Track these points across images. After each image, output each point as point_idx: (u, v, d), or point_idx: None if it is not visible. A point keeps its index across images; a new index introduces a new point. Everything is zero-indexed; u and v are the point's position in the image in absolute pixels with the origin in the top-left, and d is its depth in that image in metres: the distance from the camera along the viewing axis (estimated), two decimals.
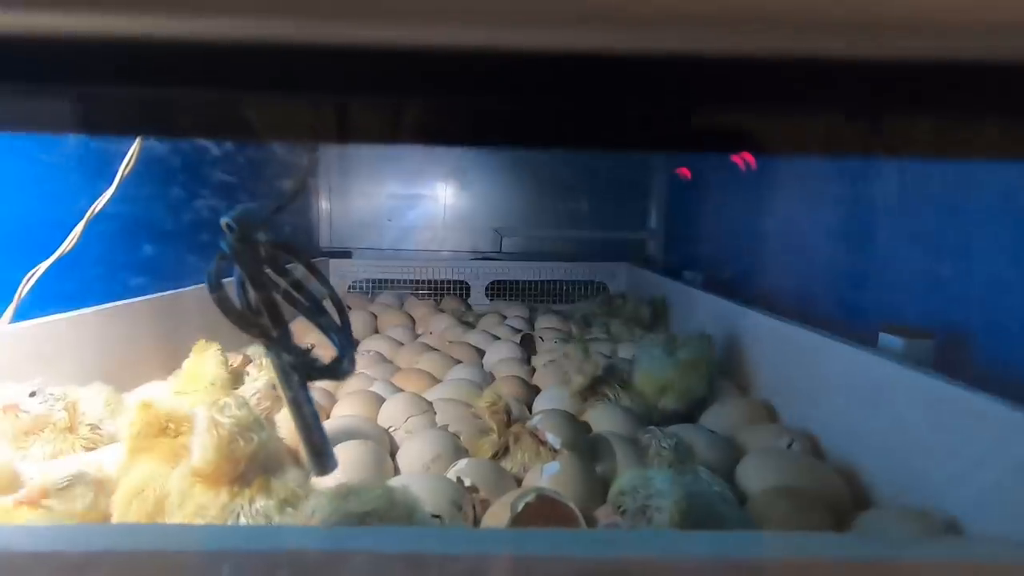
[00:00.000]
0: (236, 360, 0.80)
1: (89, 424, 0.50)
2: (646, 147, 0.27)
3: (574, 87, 0.20)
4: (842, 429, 0.55)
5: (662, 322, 1.11)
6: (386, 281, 1.51)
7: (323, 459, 0.28)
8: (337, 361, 0.29)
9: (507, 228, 1.64)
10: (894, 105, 0.19)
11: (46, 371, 0.56)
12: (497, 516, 0.43)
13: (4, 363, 0.51)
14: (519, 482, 0.50)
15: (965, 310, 0.59)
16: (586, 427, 0.60)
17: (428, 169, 1.66)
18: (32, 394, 0.46)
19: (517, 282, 1.50)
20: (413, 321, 1.21)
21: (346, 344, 0.30)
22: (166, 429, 0.43)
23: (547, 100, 0.20)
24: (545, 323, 1.15)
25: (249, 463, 0.39)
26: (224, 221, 0.25)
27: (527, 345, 0.99)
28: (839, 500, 0.47)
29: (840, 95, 0.19)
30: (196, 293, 0.84)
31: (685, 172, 1.51)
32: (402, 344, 1.00)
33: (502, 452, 0.54)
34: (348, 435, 0.56)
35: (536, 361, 0.90)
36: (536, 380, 0.80)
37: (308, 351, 0.27)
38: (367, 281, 1.51)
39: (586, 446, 0.53)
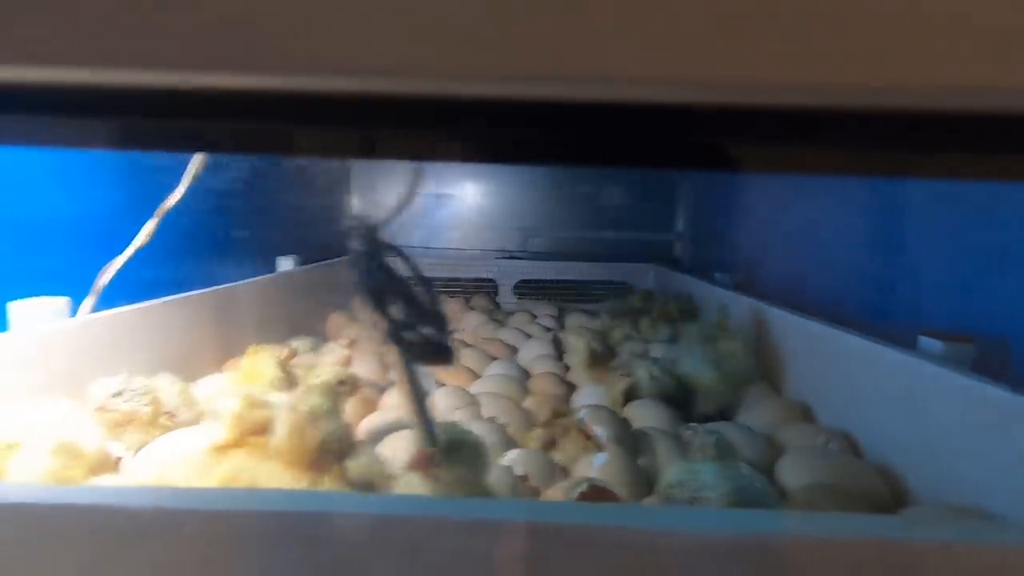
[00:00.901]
0: (282, 353, 0.84)
1: (166, 412, 0.53)
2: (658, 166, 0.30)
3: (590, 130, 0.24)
4: (880, 430, 0.56)
5: (692, 322, 1.12)
6: (413, 279, 1.54)
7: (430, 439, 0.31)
8: (445, 348, 0.32)
9: (533, 228, 1.66)
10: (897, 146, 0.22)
11: (119, 360, 0.59)
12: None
13: (86, 351, 0.55)
14: (566, 472, 0.53)
15: (1004, 316, 0.59)
16: (626, 423, 0.62)
17: (456, 168, 1.69)
18: (118, 394, 0.49)
19: (544, 281, 1.52)
20: None
21: (446, 333, 0.33)
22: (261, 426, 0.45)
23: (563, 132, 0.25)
24: (575, 321, 1.17)
25: (322, 449, 0.41)
26: (356, 222, 0.28)
27: (559, 343, 1.01)
28: (879, 497, 0.48)
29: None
30: (246, 288, 0.88)
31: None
32: None
33: (549, 444, 0.56)
34: (403, 426, 0.59)
35: (570, 359, 0.92)
36: (571, 377, 0.82)
37: (423, 337, 0.30)
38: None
39: (630, 440, 0.55)
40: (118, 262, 0.56)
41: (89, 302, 0.56)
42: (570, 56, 0.19)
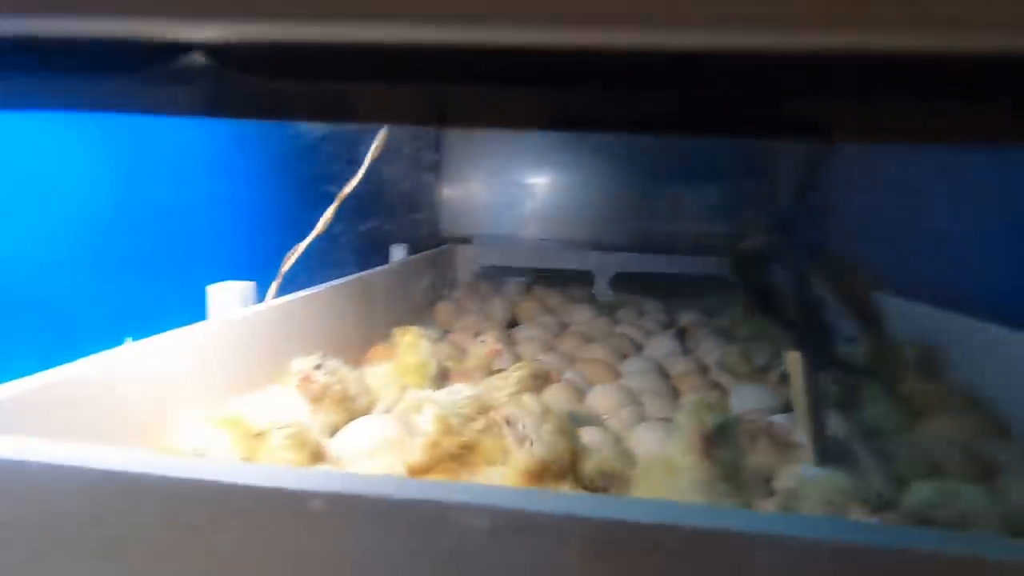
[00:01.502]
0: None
1: (349, 397, 0.54)
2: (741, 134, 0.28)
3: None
4: None
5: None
6: (508, 269, 1.53)
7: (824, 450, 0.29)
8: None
9: (632, 219, 1.62)
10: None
11: (290, 345, 0.60)
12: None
13: (265, 336, 0.56)
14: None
15: None
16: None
17: (548, 155, 1.66)
18: (318, 366, 0.50)
19: (643, 274, 1.48)
20: (549, 311, 1.22)
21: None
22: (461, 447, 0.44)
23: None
24: (689, 318, 1.13)
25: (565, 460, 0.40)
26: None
27: (683, 339, 0.98)
28: None
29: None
30: (383, 273, 0.89)
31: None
32: (556, 334, 1.01)
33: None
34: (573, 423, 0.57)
35: (705, 356, 0.88)
36: (714, 376, 0.79)
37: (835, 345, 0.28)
38: (490, 268, 1.53)
39: (832, 451, 0.51)
40: (301, 247, 0.57)
41: (275, 286, 0.57)
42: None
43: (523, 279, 1.50)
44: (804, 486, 0.46)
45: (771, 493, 0.48)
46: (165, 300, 0.54)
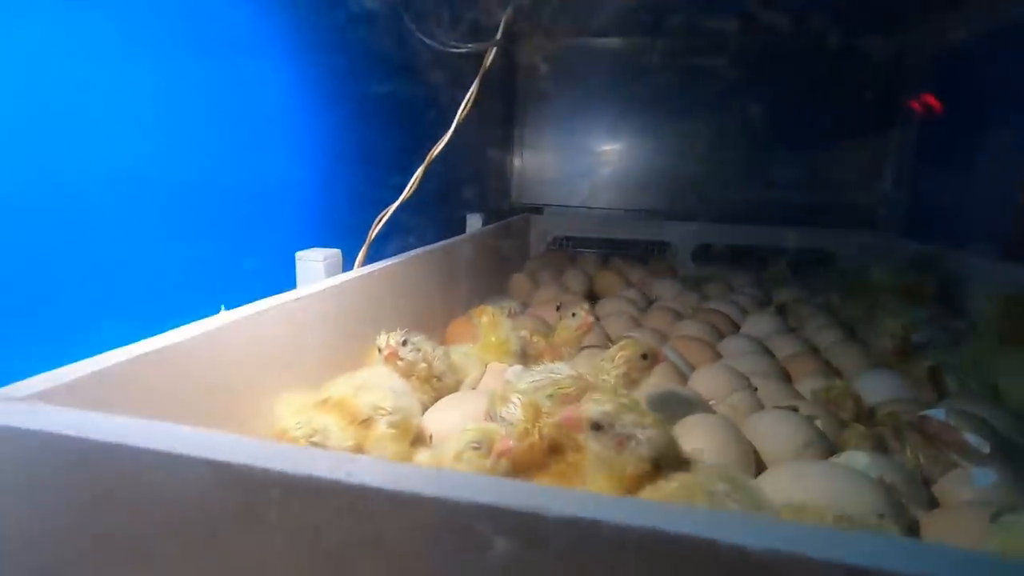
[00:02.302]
0: (507, 313, 0.80)
1: (435, 376, 0.50)
2: None
3: None
4: None
5: (934, 302, 0.95)
6: (582, 240, 1.47)
7: None
8: None
9: (714, 188, 1.51)
10: None
11: (377, 313, 0.57)
12: (952, 531, 0.36)
13: (353, 305, 0.53)
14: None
15: None
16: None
17: (623, 122, 1.57)
18: (404, 343, 0.46)
19: (726, 247, 1.38)
20: (630, 284, 1.16)
21: None
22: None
23: None
24: (786, 294, 1.03)
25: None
26: None
27: (784, 316, 0.90)
28: None
29: None
30: (462, 242, 0.85)
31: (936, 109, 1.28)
32: (642, 309, 0.95)
33: (878, 446, 0.47)
34: (679, 405, 0.52)
35: (814, 336, 0.80)
36: (829, 358, 0.71)
37: None
38: (563, 239, 1.47)
39: (1007, 450, 0.43)
40: (388, 212, 0.53)
41: (363, 252, 0.54)
42: None
43: (598, 251, 1.43)
44: None
45: (932, 501, 0.41)
46: (256, 266, 0.52)
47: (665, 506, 0.20)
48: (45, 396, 0.28)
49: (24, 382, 0.28)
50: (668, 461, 0.35)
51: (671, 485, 0.34)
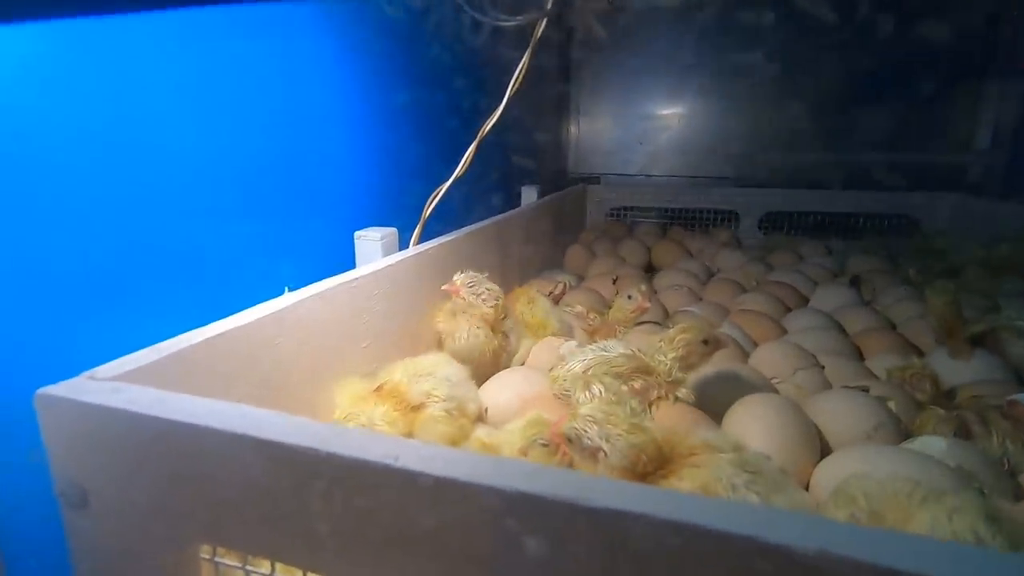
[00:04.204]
0: (554, 287, 0.80)
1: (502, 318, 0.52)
2: None
3: None
4: None
5: None
6: (641, 209, 1.43)
7: None
8: None
9: (782, 151, 1.42)
10: None
11: (434, 293, 0.58)
12: None
13: (403, 287, 0.54)
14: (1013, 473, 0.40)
15: None
16: None
17: (683, 85, 1.49)
18: (470, 284, 0.48)
19: (797, 214, 1.31)
20: (689, 255, 1.12)
21: None
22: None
23: None
24: (863, 264, 0.97)
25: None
26: None
27: (858, 288, 0.85)
28: None
29: None
30: (517, 215, 0.85)
31: None
32: (703, 282, 0.92)
33: (961, 431, 0.43)
34: (739, 384, 0.50)
35: (891, 311, 0.75)
36: (907, 334, 0.67)
37: None
38: (621, 209, 1.44)
39: None
40: (443, 189, 0.53)
41: (418, 230, 0.55)
42: None
43: (657, 220, 1.39)
44: None
45: (1020, 493, 0.38)
46: (315, 245, 0.54)
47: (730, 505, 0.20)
48: (128, 377, 0.30)
49: (108, 364, 0.30)
50: (661, 460, 0.34)
51: (682, 484, 0.33)
